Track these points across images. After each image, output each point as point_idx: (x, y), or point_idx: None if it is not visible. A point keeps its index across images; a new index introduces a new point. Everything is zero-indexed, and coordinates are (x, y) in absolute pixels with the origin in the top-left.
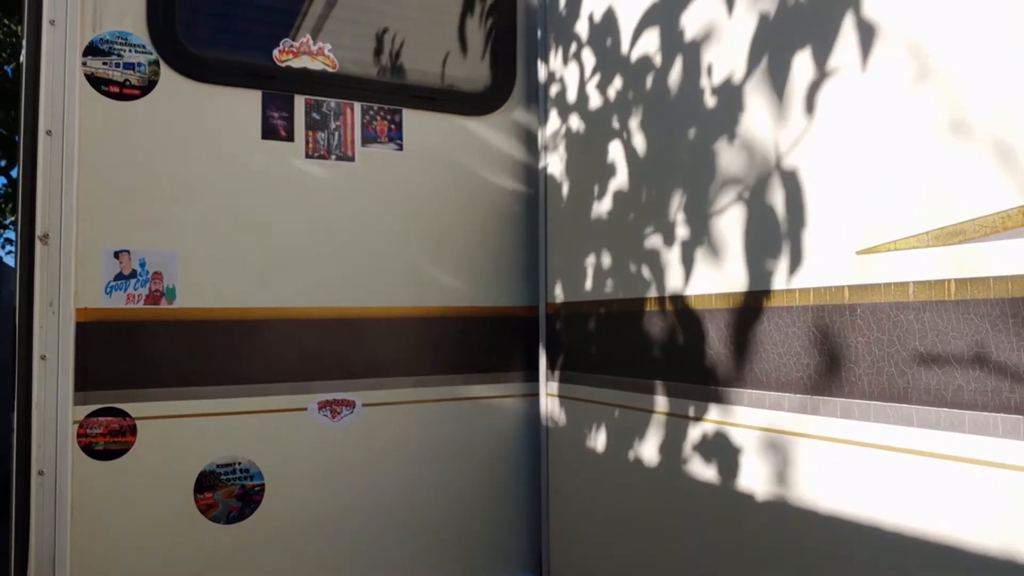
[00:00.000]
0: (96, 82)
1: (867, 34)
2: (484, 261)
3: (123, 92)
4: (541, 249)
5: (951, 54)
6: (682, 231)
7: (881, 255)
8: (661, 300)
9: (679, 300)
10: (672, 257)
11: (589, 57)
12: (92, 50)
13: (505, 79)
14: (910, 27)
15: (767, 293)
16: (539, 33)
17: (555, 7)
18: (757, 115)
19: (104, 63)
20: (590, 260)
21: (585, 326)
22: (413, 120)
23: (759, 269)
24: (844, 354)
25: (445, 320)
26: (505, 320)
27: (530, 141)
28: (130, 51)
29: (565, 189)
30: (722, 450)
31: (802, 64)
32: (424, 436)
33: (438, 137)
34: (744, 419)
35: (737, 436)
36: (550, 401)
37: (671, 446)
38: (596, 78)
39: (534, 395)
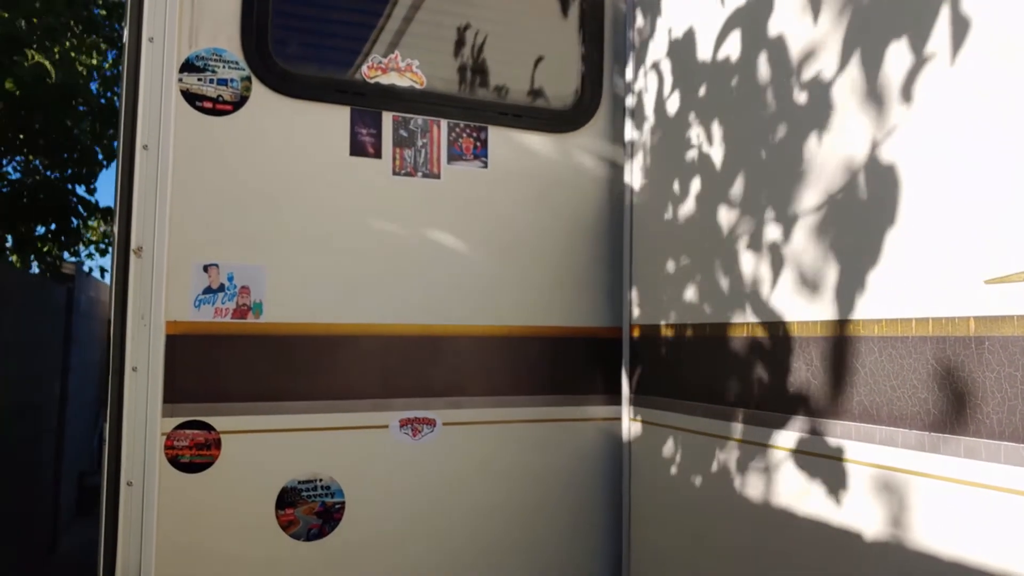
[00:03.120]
0: (191, 98)
1: (990, 44)
2: (568, 280)
3: (216, 107)
4: (625, 269)
5: None
6: (779, 251)
7: (1014, 285)
8: (756, 325)
9: (777, 326)
10: (768, 279)
11: (672, 67)
12: (188, 66)
13: (592, 96)
14: None
15: (878, 322)
16: (626, 49)
17: (638, 21)
18: (862, 123)
19: (199, 79)
20: (677, 281)
21: (670, 349)
22: (498, 137)
23: (868, 295)
24: (969, 389)
25: (527, 340)
26: (588, 341)
27: (616, 158)
28: (224, 67)
29: (651, 207)
30: (822, 485)
31: (911, 68)
32: (504, 457)
33: (523, 154)
34: (849, 454)
35: (840, 471)
36: (633, 426)
37: (763, 478)
38: (680, 88)
39: (616, 419)
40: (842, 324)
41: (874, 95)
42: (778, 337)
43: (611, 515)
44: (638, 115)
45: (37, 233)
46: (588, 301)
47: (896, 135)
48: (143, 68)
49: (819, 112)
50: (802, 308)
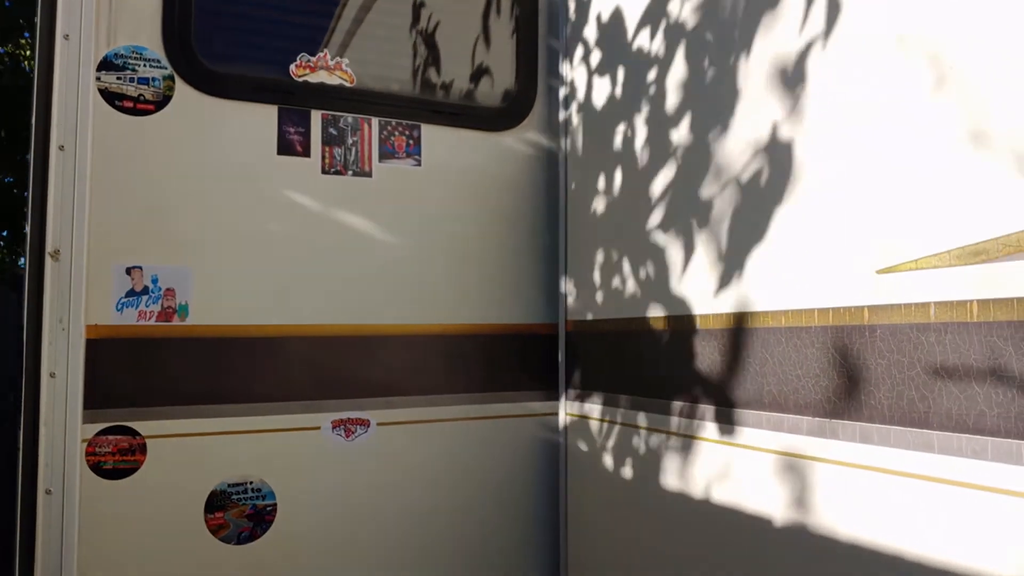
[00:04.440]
0: (110, 97)
1: (886, 39)
2: (503, 278)
3: (137, 107)
4: (561, 266)
5: (973, 62)
6: (692, 243)
7: (901, 274)
8: (675, 319)
9: (693, 319)
10: (685, 275)
11: (601, 59)
12: (106, 65)
13: (525, 94)
14: (931, 33)
15: (784, 313)
16: (561, 47)
17: (570, 14)
18: (761, 112)
19: (118, 78)
20: (608, 277)
21: (603, 344)
22: (432, 135)
23: (775, 287)
24: (863, 376)
25: (462, 338)
26: (524, 338)
27: (551, 156)
28: (145, 66)
29: (583, 201)
30: (739, 473)
31: (815, 65)
32: (440, 456)
33: (458, 152)
34: (762, 442)
35: (755, 459)
36: (569, 421)
37: (688, 468)
38: (607, 82)
39: (553, 414)
40: (751, 316)
41: (771, 84)
42: (694, 329)
43: (549, 511)
44: (571, 109)
45: None
46: (524, 298)
47: (792, 124)
48: (58, 66)
49: (723, 101)
50: (714, 300)
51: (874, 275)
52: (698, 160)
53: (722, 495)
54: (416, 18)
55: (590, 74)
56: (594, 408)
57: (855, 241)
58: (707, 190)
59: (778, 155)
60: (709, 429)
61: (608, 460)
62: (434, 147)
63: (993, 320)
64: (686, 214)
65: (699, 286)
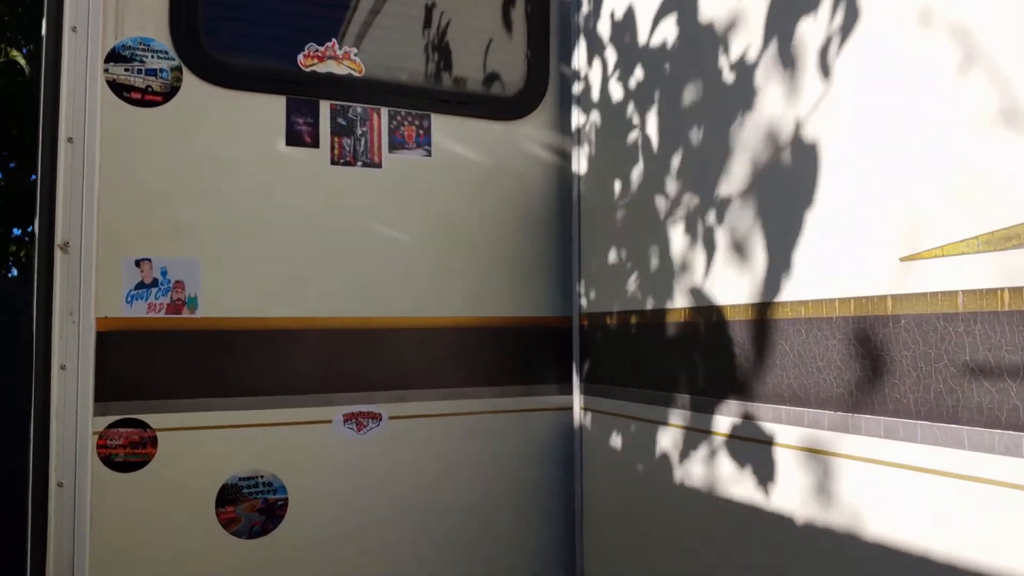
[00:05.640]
0: (118, 88)
1: (908, 16)
2: (515, 270)
3: (145, 98)
4: (574, 257)
5: (1001, 38)
6: (710, 235)
7: (927, 261)
8: (692, 311)
9: (710, 311)
10: (702, 265)
11: (615, 52)
12: (114, 56)
13: (537, 83)
14: (956, 8)
15: (804, 303)
16: (572, 36)
17: (583, 6)
18: (783, 101)
19: (126, 69)
20: (622, 268)
21: (618, 337)
22: (442, 126)
23: (794, 276)
24: (888, 369)
25: (475, 330)
26: (537, 330)
27: (563, 145)
28: (152, 57)
29: (598, 195)
30: (758, 469)
31: (831, 44)
32: (452, 450)
33: (468, 143)
34: (782, 437)
35: (774, 454)
36: (584, 415)
37: (706, 463)
38: (621, 73)
39: (567, 408)
40: (770, 307)
41: (794, 72)
42: (711, 321)
43: (564, 506)
44: (584, 101)
45: (14, 235)
46: (537, 290)
47: (814, 113)
48: (65, 58)
49: (744, 91)
50: (732, 291)
51: (897, 263)
52: (716, 149)
53: (741, 491)
54: (425, 7)
55: (604, 64)
56: (609, 402)
57: (877, 227)
58: (725, 179)
59: (796, 141)
60: (727, 424)
61: (624, 454)
62: (444, 137)
63: None
64: (704, 204)
65: (717, 277)
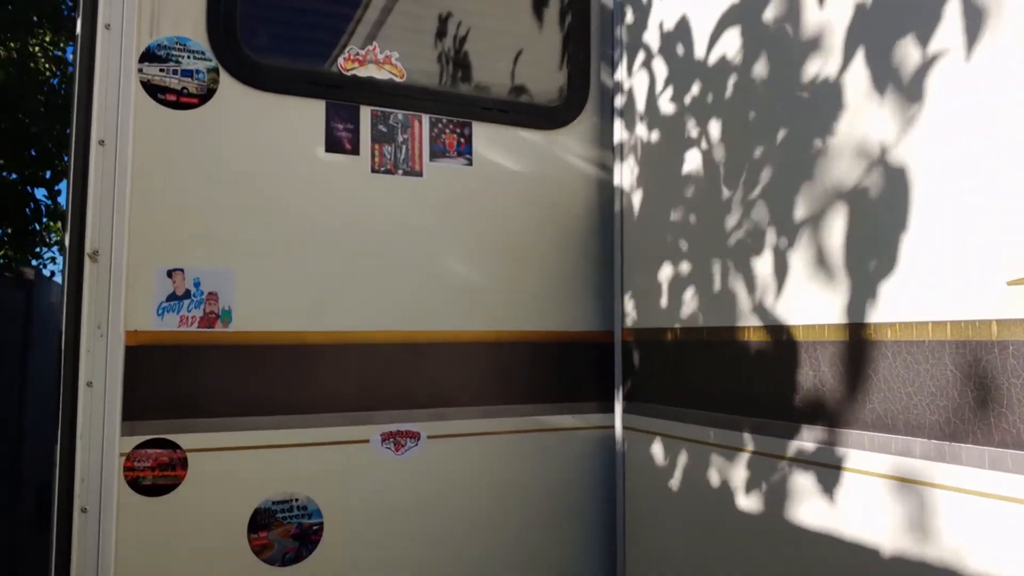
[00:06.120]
0: (152, 90)
1: (1013, 28)
2: (557, 283)
3: (180, 100)
4: (616, 270)
5: None
6: (782, 254)
7: None
8: (758, 329)
9: (780, 330)
10: (770, 282)
11: (665, 65)
12: (149, 56)
13: (579, 91)
14: None
15: (891, 325)
16: (614, 43)
17: (627, 16)
18: (871, 121)
19: (161, 70)
20: (671, 284)
21: (665, 355)
22: (484, 134)
23: (880, 297)
24: (992, 397)
25: (515, 345)
26: (579, 346)
27: (606, 155)
28: (188, 57)
29: (643, 208)
30: (833, 496)
31: (932, 61)
32: (493, 470)
33: (509, 152)
34: (864, 464)
35: (853, 482)
36: (626, 435)
37: (767, 489)
38: (673, 86)
39: (609, 427)
40: (852, 328)
41: (884, 91)
42: (781, 341)
43: (605, 529)
44: (628, 114)
45: None
46: (578, 304)
47: (908, 133)
48: (99, 57)
49: (824, 111)
50: (808, 311)
51: (1004, 287)
52: (791, 168)
53: (808, 520)
54: (466, 13)
55: (651, 76)
56: (654, 422)
57: (981, 249)
58: (801, 198)
59: (887, 160)
60: (791, 448)
61: (672, 478)
62: (485, 146)
63: None
64: (776, 223)
65: (790, 297)
